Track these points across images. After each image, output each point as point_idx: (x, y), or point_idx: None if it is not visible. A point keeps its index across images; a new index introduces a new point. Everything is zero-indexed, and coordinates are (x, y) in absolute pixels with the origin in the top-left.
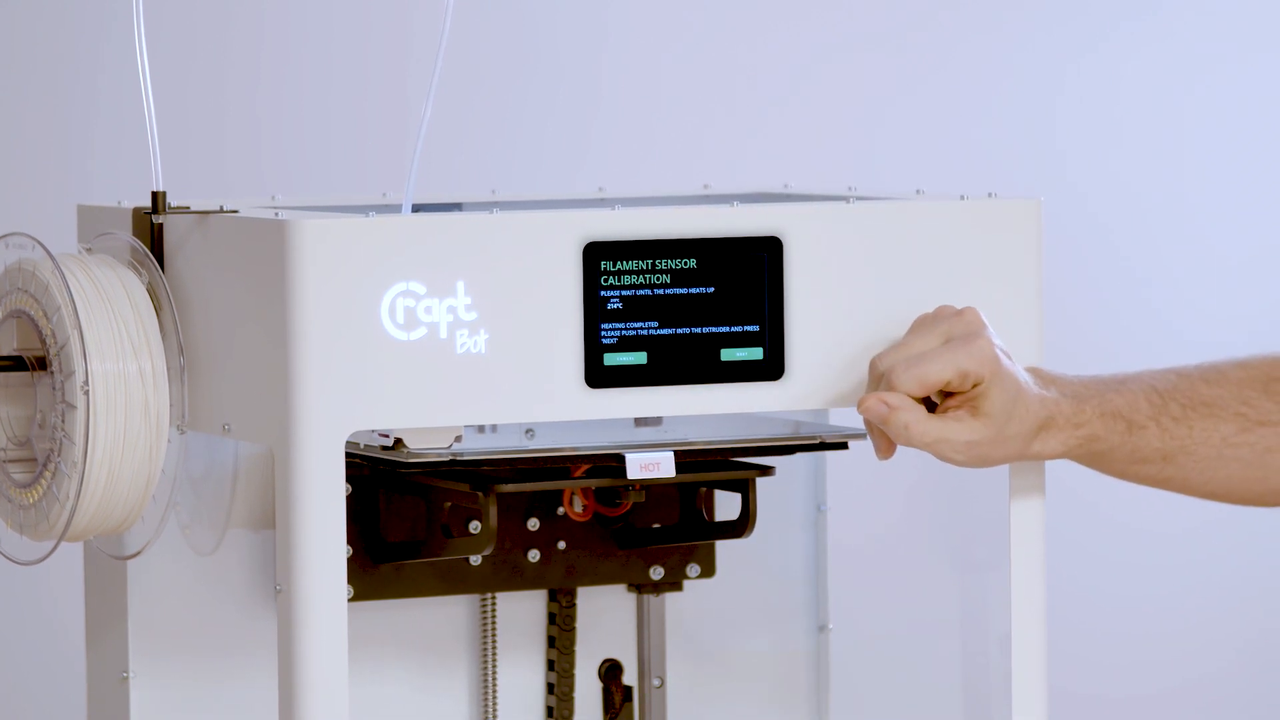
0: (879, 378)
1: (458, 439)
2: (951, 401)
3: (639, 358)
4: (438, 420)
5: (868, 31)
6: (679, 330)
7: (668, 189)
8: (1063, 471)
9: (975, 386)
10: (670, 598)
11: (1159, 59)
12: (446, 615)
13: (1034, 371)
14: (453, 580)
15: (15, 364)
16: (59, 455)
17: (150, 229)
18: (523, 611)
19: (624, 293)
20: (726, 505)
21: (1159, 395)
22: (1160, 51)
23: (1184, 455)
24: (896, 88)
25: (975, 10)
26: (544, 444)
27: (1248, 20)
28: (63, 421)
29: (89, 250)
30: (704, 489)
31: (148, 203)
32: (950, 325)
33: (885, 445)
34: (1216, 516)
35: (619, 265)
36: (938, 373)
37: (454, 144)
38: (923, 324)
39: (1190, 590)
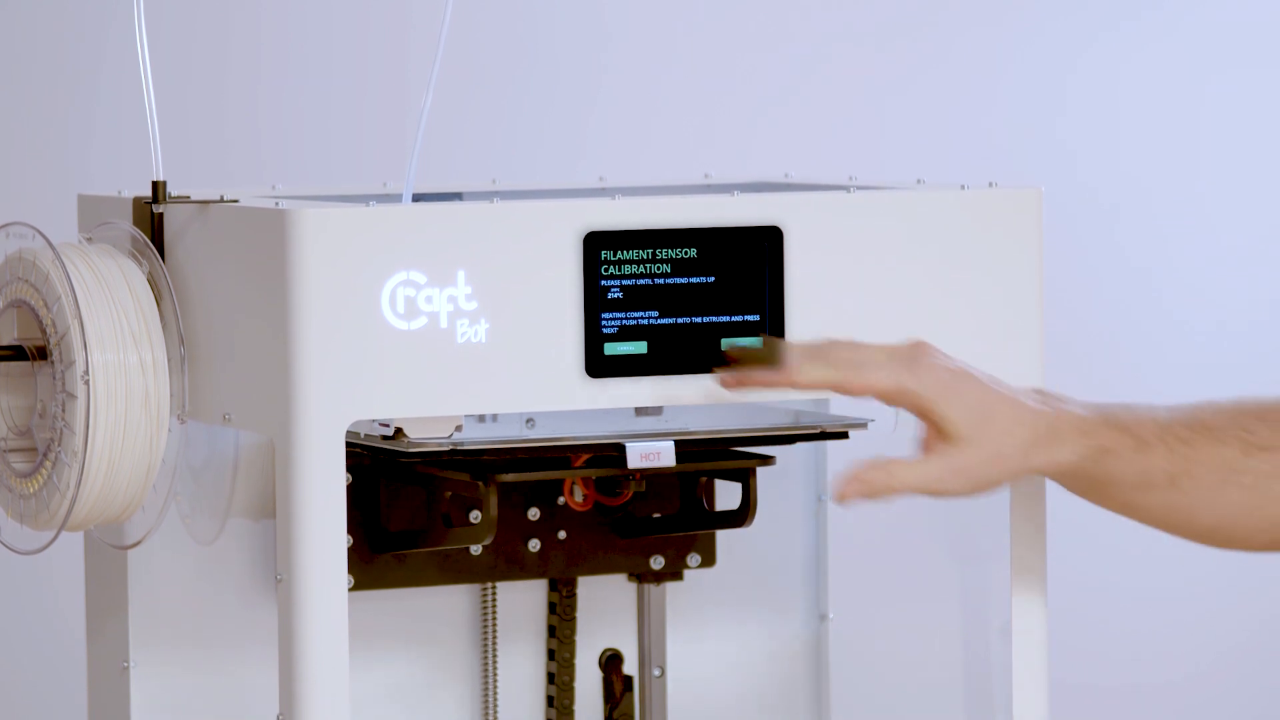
0: (820, 356)
1: (458, 428)
2: (926, 443)
3: (639, 347)
4: (438, 410)
5: (870, 21)
6: (679, 320)
7: (668, 179)
8: None
9: (928, 413)
10: (671, 587)
11: (1165, 50)
12: (447, 605)
13: (1038, 391)
14: (453, 570)
15: (15, 354)
16: (59, 445)
17: (150, 218)
18: (523, 601)
19: (624, 282)
20: (727, 495)
21: (1163, 418)
22: (1167, 42)
23: (1189, 480)
24: (899, 78)
25: (980, 0)
26: (544, 433)
27: (1255, 11)
28: (63, 411)
29: (89, 240)
30: (704, 479)
31: (148, 192)
32: (895, 348)
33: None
34: None
35: (619, 255)
36: (879, 380)
37: (454, 133)
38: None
39: (1192, 581)
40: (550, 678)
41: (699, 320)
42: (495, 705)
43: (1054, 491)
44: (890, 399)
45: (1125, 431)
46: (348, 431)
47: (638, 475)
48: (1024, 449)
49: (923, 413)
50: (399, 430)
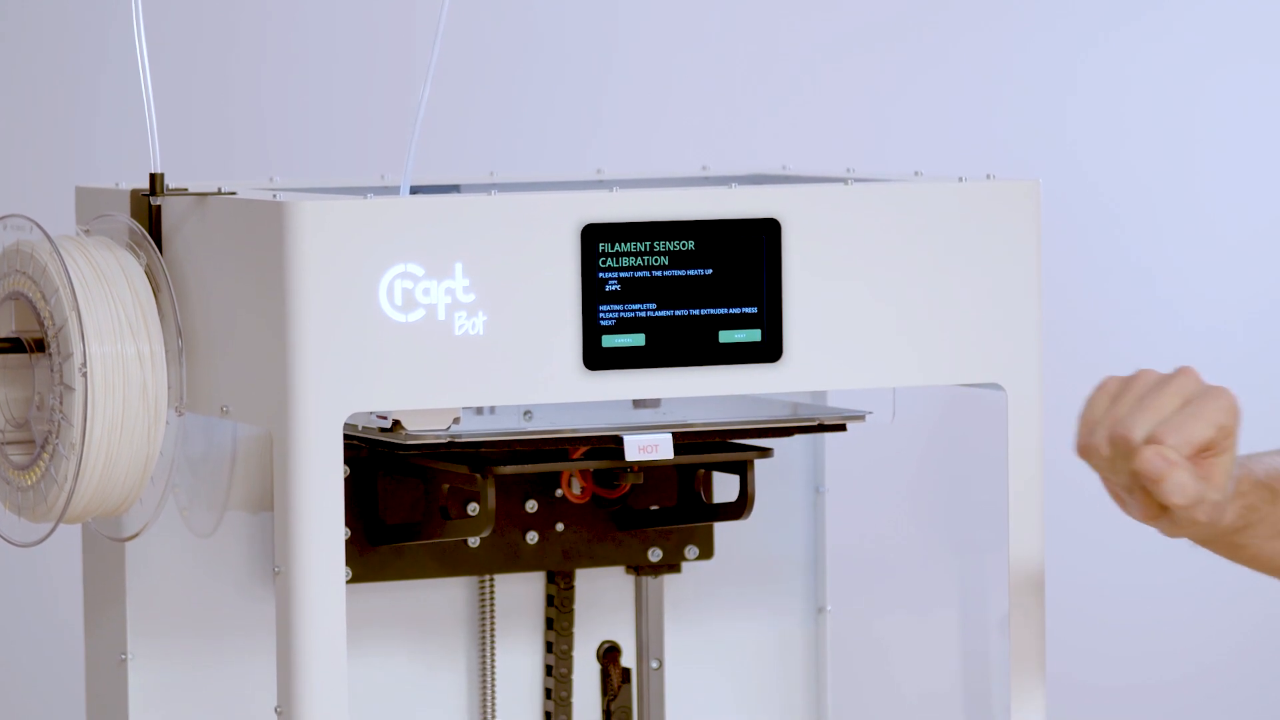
0: (1127, 447)
1: (456, 421)
2: (1194, 460)
3: (637, 339)
4: (436, 402)
5: (871, 17)
6: (677, 312)
7: (666, 171)
8: (1060, 453)
9: (1223, 443)
10: (668, 579)
11: (1166, 46)
12: (445, 597)
13: None
14: (451, 562)
15: (13, 346)
16: (57, 437)
17: (148, 211)
18: (521, 593)
19: (622, 274)
20: (725, 487)
21: None
22: (1167, 38)
23: None
24: (900, 74)
25: None
26: (542, 426)
27: (1256, 8)
28: (61, 403)
29: (87, 232)
30: (702, 471)
31: (146, 184)
32: (1180, 385)
33: (1152, 508)
34: None
35: (617, 247)
36: (1202, 431)
37: (452, 126)
38: (1141, 390)
39: (1190, 578)
40: (548, 670)
41: (697, 312)
42: (493, 697)
43: (1052, 488)
44: (1209, 445)
45: (1263, 486)
46: (345, 424)
47: (635, 467)
48: (1223, 506)
49: (1220, 445)
50: (397, 422)
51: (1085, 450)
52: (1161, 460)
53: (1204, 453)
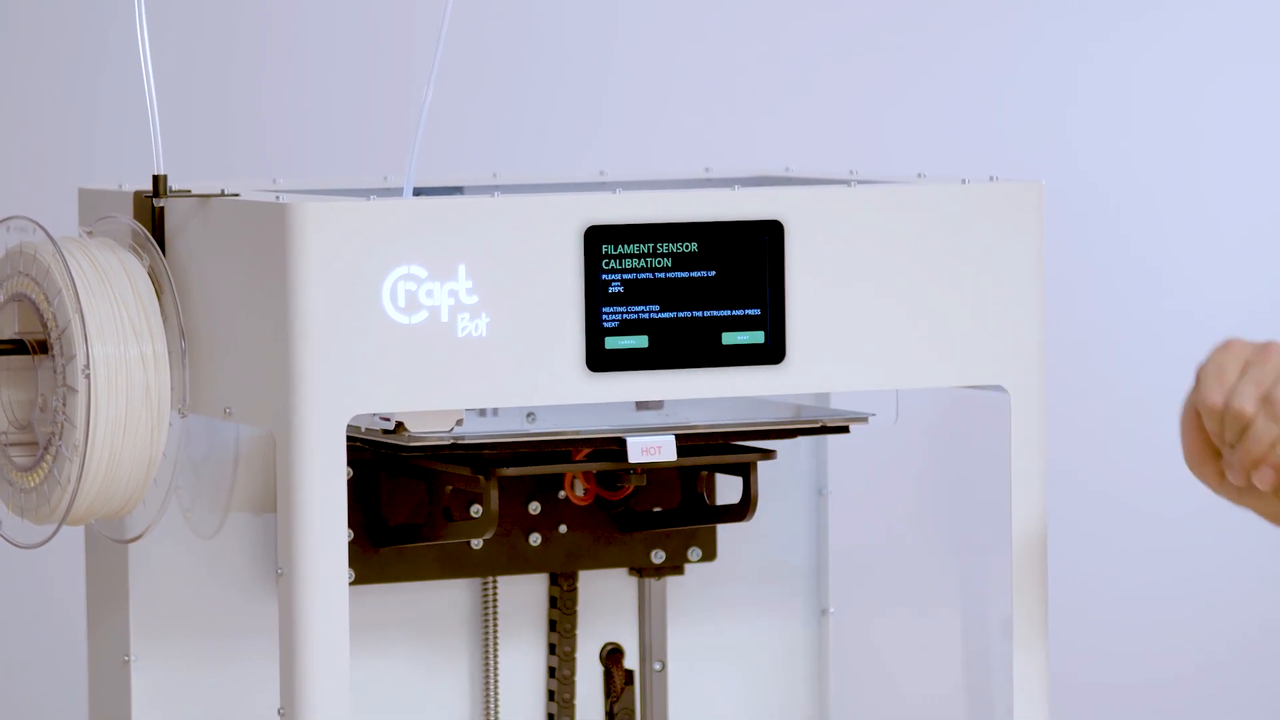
0: (1234, 417)
1: (459, 422)
2: None
3: (640, 341)
4: (439, 403)
5: (873, 16)
6: (680, 314)
7: (669, 173)
8: (1063, 455)
9: None
10: (671, 581)
11: (1169, 46)
12: (448, 599)
13: None
14: (454, 564)
15: (16, 347)
16: (60, 438)
17: (151, 212)
18: (524, 595)
19: (625, 276)
20: (728, 489)
21: None
22: (1170, 38)
23: None
24: (903, 74)
25: None
26: (545, 427)
27: (1259, 6)
28: (64, 405)
29: (90, 233)
30: (705, 472)
31: (149, 186)
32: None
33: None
34: (1220, 501)
35: (620, 249)
36: None
37: (455, 128)
38: (1235, 364)
39: (1193, 578)
40: (551, 672)
41: (700, 314)
42: (496, 699)
43: (1054, 485)
44: None
45: None
46: (348, 425)
47: (638, 469)
48: None
49: None
50: (400, 424)
51: (1209, 408)
52: (1274, 473)
53: None
